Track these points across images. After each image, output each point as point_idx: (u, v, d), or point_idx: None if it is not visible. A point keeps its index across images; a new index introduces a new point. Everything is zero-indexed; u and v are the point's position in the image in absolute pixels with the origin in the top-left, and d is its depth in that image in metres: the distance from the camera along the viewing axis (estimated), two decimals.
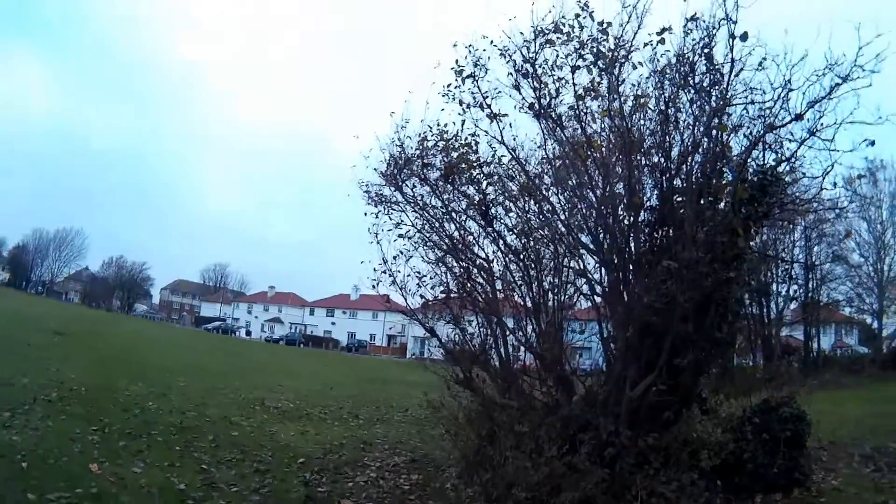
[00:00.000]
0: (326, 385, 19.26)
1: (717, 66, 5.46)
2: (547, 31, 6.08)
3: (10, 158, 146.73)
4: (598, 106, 5.98)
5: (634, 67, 5.88)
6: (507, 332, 7.41)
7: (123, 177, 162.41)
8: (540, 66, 6.09)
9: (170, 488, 6.09)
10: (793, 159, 5.64)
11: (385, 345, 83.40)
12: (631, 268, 5.92)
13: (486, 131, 6.91)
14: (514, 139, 6.83)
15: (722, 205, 5.58)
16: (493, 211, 7.32)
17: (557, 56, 6.05)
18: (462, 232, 7.72)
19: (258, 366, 24.58)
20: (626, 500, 5.11)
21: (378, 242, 7.85)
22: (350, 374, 27.71)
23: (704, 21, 5.45)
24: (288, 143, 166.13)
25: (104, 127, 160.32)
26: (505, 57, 6.24)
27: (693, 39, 5.55)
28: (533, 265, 7.13)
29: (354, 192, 8.22)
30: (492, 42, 6.32)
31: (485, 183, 7.39)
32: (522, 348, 7.43)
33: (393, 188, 7.97)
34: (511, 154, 6.89)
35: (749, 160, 5.68)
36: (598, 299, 6.53)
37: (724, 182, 5.54)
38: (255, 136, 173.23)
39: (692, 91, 5.61)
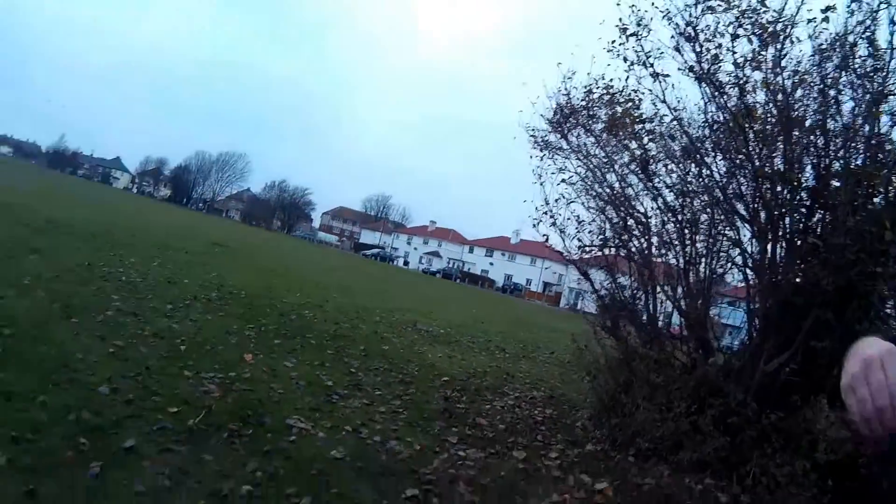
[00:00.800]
0: (478, 319, 20.08)
1: (879, 52, 5.25)
2: None
3: (177, 84, 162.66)
4: (760, 77, 5.88)
5: (793, 43, 5.76)
6: (657, 287, 7.58)
7: (291, 106, 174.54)
8: (701, 32, 6.10)
9: (318, 383, 6.77)
10: None
11: (540, 291, 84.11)
12: (783, 244, 5.90)
13: (649, 90, 7.00)
14: (678, 101, 6.84)
15: (877, 197, 5.43)
16: (652, 167, 7.43)
17: (719, 23, 6.02)
18: (622, 184, 7.88)
19: (413, 293, 25.98)
20: (739, 472, 5.25)
21: (542, 184, 8.23)
22: (502, 313, 28.45)
23: (868, 2, 5.24)
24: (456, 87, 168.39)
25: (275, 58, 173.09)
26: (667, 19, 6.28)
27: (856, 20, 5.32)
28: (688, 226, 7.18)
29: (520, 136, 8.77)
30: (653, 3, 6.39)
31: (646, 139, 7.54)
32: (670, 304, 7.53)
33: (559, 135, 8.29)
34: (672, 114, 6.94)
35: None
36: (748, 271, 6.55)
37: (880, 172, 5.42)
38: (422, 73, 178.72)
39: (853, 74, 5.41)
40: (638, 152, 7.56)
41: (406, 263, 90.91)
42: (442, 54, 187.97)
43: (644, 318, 7.62)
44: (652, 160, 7.46)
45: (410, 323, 14.24)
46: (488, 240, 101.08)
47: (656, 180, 7.49)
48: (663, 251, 7.69)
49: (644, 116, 7.44)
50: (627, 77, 7.11)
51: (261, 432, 4.89)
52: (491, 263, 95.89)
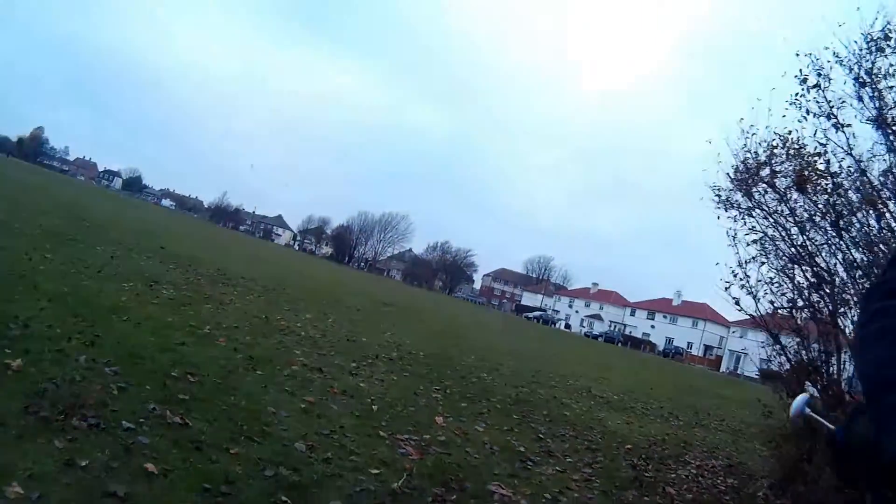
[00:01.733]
0: (645, 384, 19.78)
1: None
2: (878, 39, 6.07)
3: (339, 147, 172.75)
4: None
5: None
6: (843, 349, 7.28)
7: (454, 165, 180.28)
8: (874, 75, 6.05)
9: (509, 448, 6.84)
10: None
11: (700, 354, 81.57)
12: None
13: (830, 140, 6.94)
14: (854, 149, 6.76)
15: None
16: (841, 221, 7.18)
17: (891, 65, 5.98)
18: (808, 240, 7.71)
19: (580, 357, 25.67)
20: None
21: (735, 245, 8.17)
22: (667, 378, 27.92)
23: None
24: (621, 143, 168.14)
25: (438, 118, 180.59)
26: (843, 66, 6.30)
27: None
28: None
29: (695, 192, 8.64)
30: (832, 51, 6.43)
31: (832, 193, 7.31)
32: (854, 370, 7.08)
33: (742, 194, 8.22)
34: (857, 164, 6.83)
35: None
36: None
37: None
38: (581, 131, 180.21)
39: None
40: (825, 207, 7.39)
41: (567, 326, 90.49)
42: (603, 115, 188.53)
43: (827, 381, 7.39)
44: (840, 215, 7.22)
45: (585, 388, 14.33)
46: (650, 302, 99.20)
47: (845, 236, 7.26)
48: (849, 309, 7.35)
49: (830, 170, 7.29)
50: (813, 131, 7.14)
51: (464, 498, 4.96)
52: (652, 326, 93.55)
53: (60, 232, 15.00)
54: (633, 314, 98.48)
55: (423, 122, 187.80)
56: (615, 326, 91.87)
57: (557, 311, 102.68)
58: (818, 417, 1.53)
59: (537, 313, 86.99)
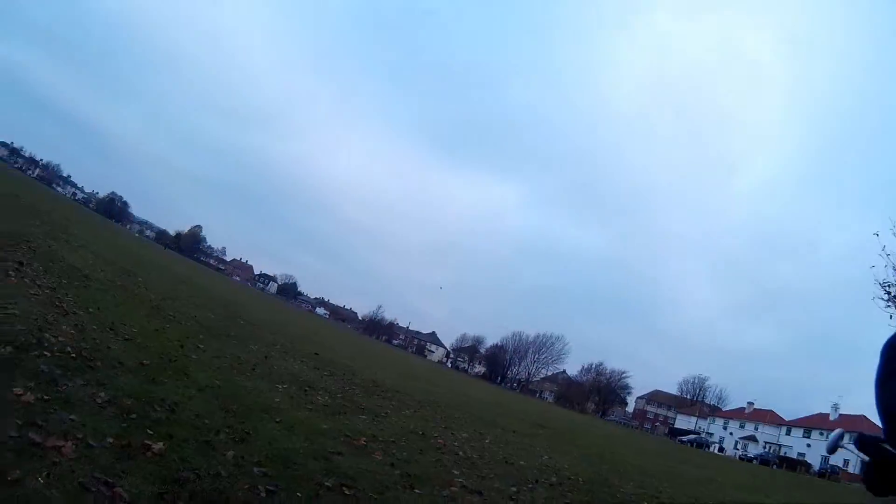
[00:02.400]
0: None
1: None
2: None
3: (495, 266, 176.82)
4: None
5: None
6: None
7: (606, 285, 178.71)
8: None
9: None
10: None
11: (858, 472, 73.90)
12: None
13: None
14: None
15: None
16: None
17: None
18: None
19: (736, 482, 23.49)
20: None
21: None
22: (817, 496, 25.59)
23: None
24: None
25: (592, 238, 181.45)
26: None
27: None
28: None
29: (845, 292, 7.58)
30: None
31: None
32: None
33: None
34: None
35: None
36: None
37: None
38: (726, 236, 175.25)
39: None
40: None
41: (721, 449, 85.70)
42: (748, 215, 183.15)
43: None
44: None
45: None
46: (805, 419, 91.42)
47: None
48: None
49: None
50: None
51: None
52: (808, 445, 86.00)
53: (215, 326, 15.49)
54: (788, 433, 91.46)
55: (578, 241, 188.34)
56: (770, 447, 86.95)
57: (711, 434, 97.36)
58: (852, 449, 1.91)
59: (691, 437, 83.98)
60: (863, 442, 1.77)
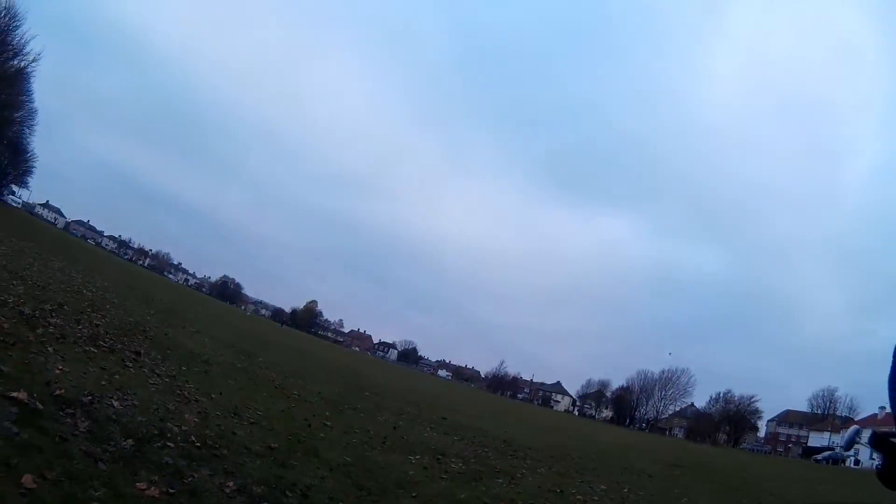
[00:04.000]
0: None
1: None
2: None
3: (614, 305, 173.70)
4: None
5: None
6: None
7: (730, 310, 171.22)
8: None
9: None
10: None
11: None
12: None
13: None
14: None
15: None
16: None
17: None
18: None
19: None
20: None
21: None
22: None
23: None
24: None
25: (702, 262, 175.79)
26: None
27: None
28: None
29: None
30: None
31: None
32: None
33: None
34: None
35: None
36: None
37: None
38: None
39: None
40: None
41: (857, 462, 79.57)
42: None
43: None
44: None
45: None
46: None
47: None
48: None
49: None
50: None
51: None
52: None
53: (340, 400, 15.42)
54: None
55: (695, 266, 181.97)
56: None
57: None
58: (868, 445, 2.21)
59: (826, 454, 78.62)
60: (876, 439, 1.96)
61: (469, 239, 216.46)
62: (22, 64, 40.33)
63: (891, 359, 2.62)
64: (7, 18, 37.82)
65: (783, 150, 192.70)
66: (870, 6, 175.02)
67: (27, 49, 39.03)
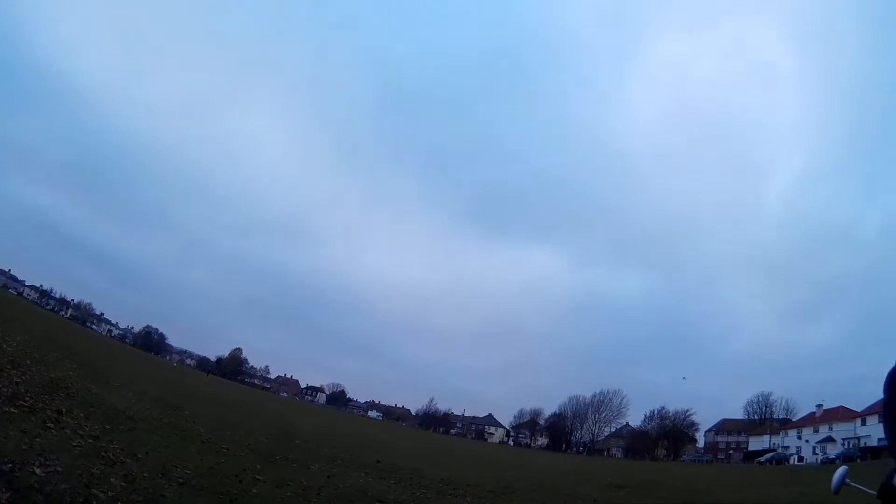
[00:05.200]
0: None
1: None
2: None
3: (540, 336, 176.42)
4: None
5: None
6: None
7: (658, 328, 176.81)
8: None
9: None
10: None
11: None
12: None
13: None
14: None
15: None
16: None
17: None
18: None
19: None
20: None
21: None
22: None
23: None
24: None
25: (635, 286, 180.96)
26: None
27: None
28: None
29: None
30: None
31: None
32: None
33: None
34: None
35: None
36: None
37: None
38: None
39: None
40: None
41: (801, 459, 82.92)
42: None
43: None
44: None
45: None
46: (878, 404, 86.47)
47: None
48: None
49: None
50: None
51: None
52: None
53: (271, 451, 15.25)
54: (863, 423, 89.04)
55: (621, 291, 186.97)
56: (849, 443, 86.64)
57: (787, 447, 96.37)
58: (857, 485, 2.29)
59: (768, 456, 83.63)
60: (886, 492, 1.94)
61: (396, 280, 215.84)
62: None
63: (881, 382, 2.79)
64: None
65: (707, 172, 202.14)
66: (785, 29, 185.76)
67: None
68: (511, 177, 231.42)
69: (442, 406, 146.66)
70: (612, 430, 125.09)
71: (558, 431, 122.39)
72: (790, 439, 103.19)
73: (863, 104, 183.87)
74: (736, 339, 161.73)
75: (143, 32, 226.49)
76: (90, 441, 9.55)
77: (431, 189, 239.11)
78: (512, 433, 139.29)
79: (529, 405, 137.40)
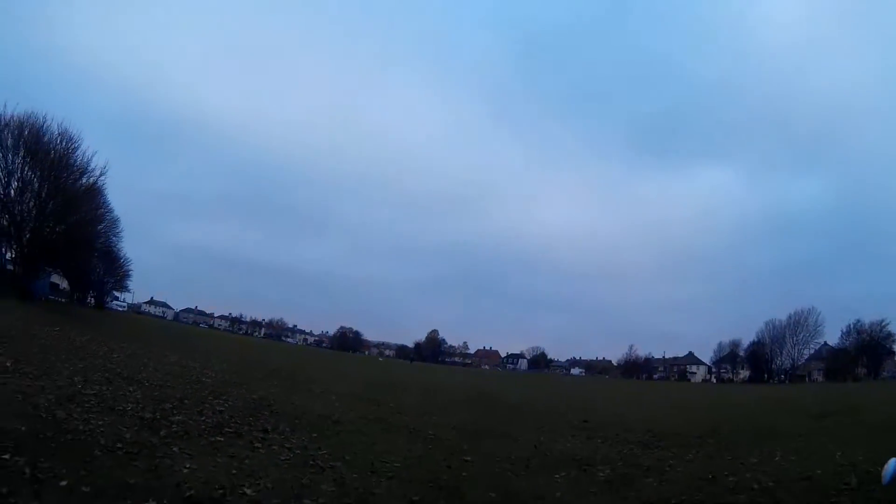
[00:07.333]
0: None
1: None
2: None
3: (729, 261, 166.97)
4: None
5: None
6: None
7: (843, 237, 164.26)
8: None
9: None
10: None
11: None
12: None
13: None
14: None
15: None
16: None
17: None
18: None
19: None
20: None
21: None
22: None
23: None
24: None
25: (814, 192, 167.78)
26: None
27: None
28: None
29: None
30: None
31: None
32: None
33: None
34: None
35: None
36: None
37: None
38: None
39: None
40: None
41: None
42: None
43: None
44: None
45: None
46: None
47: None
48: None
49: None
50: None
51: None
52: None
53: (476, 429, 15.30)
54: None
55: (802, 200, 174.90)
56: None
57: None
58: None
59: None
60: None
61: (575, 229, 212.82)
62: (91, 180, 43.10)
63: None
64: (64, 143, 41.03)
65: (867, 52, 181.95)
66: None
67: (92, 166, 41.75)
68: (668, 96, 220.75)
69: (641, 352, 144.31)
70: (811, 351, 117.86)
71: (759, 361, 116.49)
72: None
73: None
74: None
75: (267, 57, 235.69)
76: (298, 452, 9.94)
77: (594, 131, 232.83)
78: (713, 369, 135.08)
79: (727, 337, 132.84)
